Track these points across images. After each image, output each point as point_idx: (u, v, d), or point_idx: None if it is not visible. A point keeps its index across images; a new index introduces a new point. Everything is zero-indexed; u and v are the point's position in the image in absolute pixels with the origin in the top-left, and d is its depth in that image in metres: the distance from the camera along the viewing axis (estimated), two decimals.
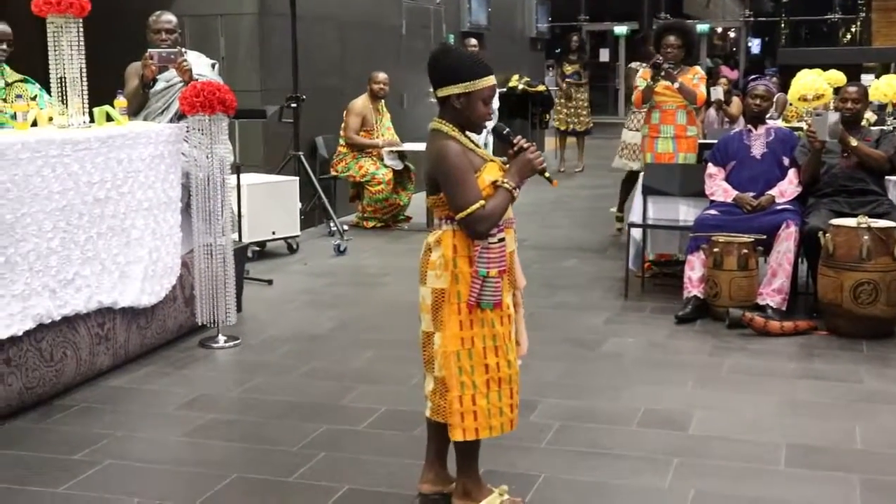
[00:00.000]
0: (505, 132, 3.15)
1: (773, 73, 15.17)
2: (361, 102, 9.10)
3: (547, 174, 3.15)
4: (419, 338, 3.24)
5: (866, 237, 5.42)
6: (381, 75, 9.15)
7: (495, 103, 12.49)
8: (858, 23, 26.29)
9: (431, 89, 3.15)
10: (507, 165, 3.14)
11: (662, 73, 6.94)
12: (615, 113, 25.12)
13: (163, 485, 3.61)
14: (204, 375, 4.95)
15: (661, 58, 6.98)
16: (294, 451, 3.90)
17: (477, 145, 3.16)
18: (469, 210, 2.99)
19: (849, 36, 27.62)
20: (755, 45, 28.55)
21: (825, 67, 11.21)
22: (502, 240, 3.07)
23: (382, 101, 9.21)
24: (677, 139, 7.07)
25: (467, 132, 3.14)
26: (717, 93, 10.48)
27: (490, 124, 3.68)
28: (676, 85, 6.96)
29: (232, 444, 4.00)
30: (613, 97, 25.54)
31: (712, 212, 6.14)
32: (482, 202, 3.00)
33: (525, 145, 3.10)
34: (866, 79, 15.27)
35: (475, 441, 3.22)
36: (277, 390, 4.68)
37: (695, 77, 7.06)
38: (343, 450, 3.91)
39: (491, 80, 3.07)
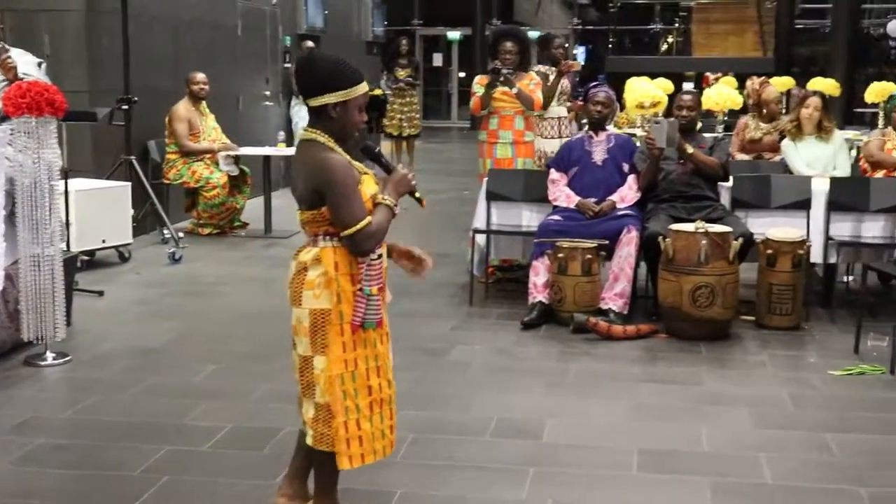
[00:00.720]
0: (376, 151, 3.07)
1: (601, 79, 15.55)
2: (184, 106, 8.84)
3: (417, 194, 3.07)
4: (293, 362, 3.04)
5: (704, 242, 5.55)
6: (200, 75, 8.92)
7: None
8: (675, 33, 27.36)
9: (300, 98, 3.03)
10: (381, 181, 3.06)
11: (501, 79, 6.94)
12: (448, 117, 25.33)
13: None
14: (32, 396, 4.62)
15: (499, 64, 6.98)
16: (135, 476, 3.66)
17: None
18: (358, 227, 2.87)
19: (665, 45, 28.71)
20: (580, 52, 29.26)
21: (652, 76, 11.57)
22: (381, 256, 2.98)
23: (203, 101, 8.99)
24: (516, 144, 7.08)
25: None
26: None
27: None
28: (515, 90, 6.98)
29: (66, 472, 3.72)
30: (447, 101, 25.74)
31: (555, 217, 6.18)
32: (369, 219, 2.89)
33: (397, 166, 3.06)
34: (687, 87, 15.86)
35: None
36: (113, 410, 4.41)
37: (531, 83, 7.10)
38: (188, 472, 3.70)
39: (365, 86, 2.95)
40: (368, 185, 2.97)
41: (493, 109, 7.08)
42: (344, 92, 2.90)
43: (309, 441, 3.06)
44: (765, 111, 7.98)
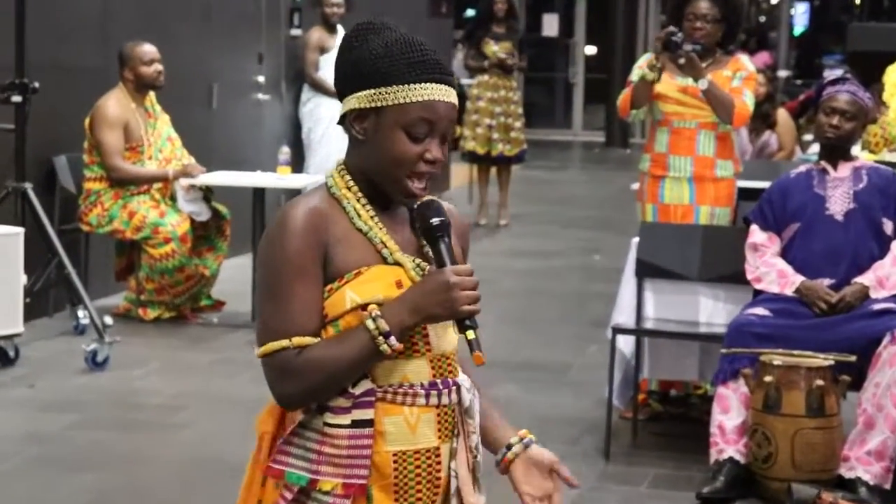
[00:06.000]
0: (434, 224, 2.83)
1: (837, 62, 15.44)
2: (116, 103, 8.88)
3: (472, 332, 2.82)
4: None
5: None
6: (148, 49, 8.97)
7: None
8: None
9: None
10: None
11: (681, 59, 6.89)
12: (566, 125, 25.29)
13: None
14: None
15: (677, 31, 6.93)
16: None
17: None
18: (264, 348, 2.79)
19: None
20: (801, 11, 29.08)
21: None
22: (363, 424, 2.80)
23: (152, 93, 9.10)
24: (698, 182, 7.03)
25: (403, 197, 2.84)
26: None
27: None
28: (703, 84, 6.94)
29: None
30: (565, 98, 25.67)
31: (759, 311, 6.14)
32: (296, 339, 2.77)
33: (458, 263, 2.83)
34: None
35: None
36: None
37: (737, 75, 7.03)
38: None
39: (434, 90, 2.81)
40: (372, 284, 2.79)
41: (661, 117, 7.06)
42: (373, 92, 2.81)
43: None
44: None
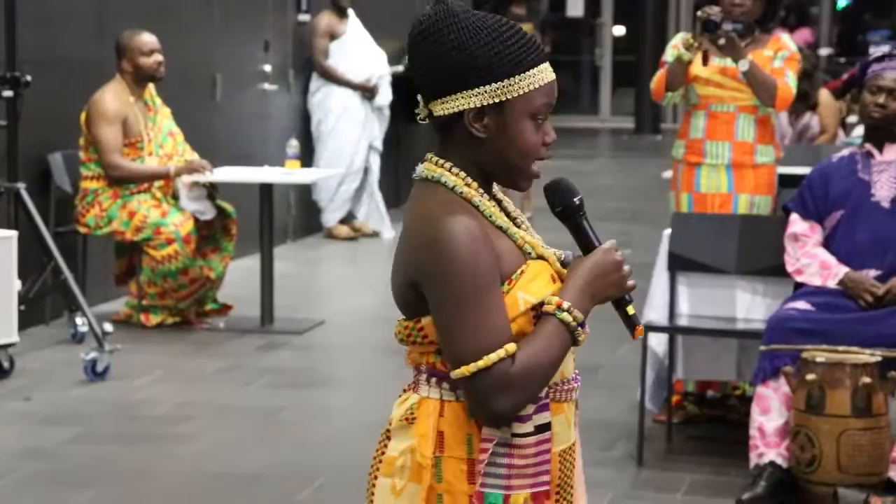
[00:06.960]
0: (575, 203, 2.95)
1: (883, 38, 15.40)
2: (114, 97, 8.86)
3: (632, 307, 2.96)
4: None
5: None
6: (147, 39, 8.94)
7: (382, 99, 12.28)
8: None
9: (420, 103, 2.89)
10: (570, 266, 2.90)
11: (720, 40, 6.86)
12: (593, 111, 25.22)
13: None
14: None
15: (716, 10, 6.91)
16: None
17: (510, 215, 2.94)
18: (479, 363, 2.76)
19: None
20: None
21: None
22: (544, 428, 2.85)
23: (152, 85, 9.09)
24: (737, 169, 7.01)
25: (496, 187, 2.95)
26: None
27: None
28: (743, 66, 6.92)
29: None
30: (592, 83, 25.60)
31: (801, 305, 6.13)
32: (507, 350, 2.78)
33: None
34: None
35: None
36: None
37: (778, 55, 7.01)
38: None
39: (547, 70, 2.88)
40: (535, 281, 2.85)
41: (698, 101, 7.05)
42: (499, 86, 2.83)
43: None
44: None
